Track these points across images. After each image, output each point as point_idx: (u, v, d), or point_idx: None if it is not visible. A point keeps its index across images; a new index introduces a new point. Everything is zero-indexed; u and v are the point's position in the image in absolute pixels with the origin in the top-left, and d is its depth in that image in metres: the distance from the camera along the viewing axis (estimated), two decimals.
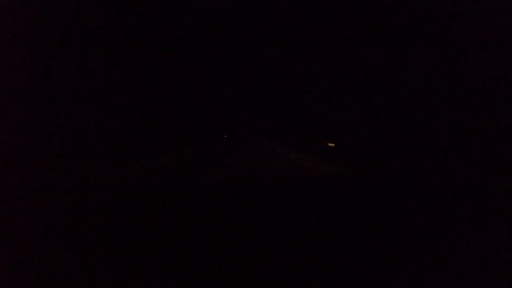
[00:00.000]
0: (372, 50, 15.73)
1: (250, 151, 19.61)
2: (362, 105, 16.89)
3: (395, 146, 14.02)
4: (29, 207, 5.06)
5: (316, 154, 15.82)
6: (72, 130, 11.77)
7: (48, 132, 10.78)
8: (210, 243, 3.43)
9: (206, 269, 2.82)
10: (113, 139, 14.37)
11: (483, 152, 10.61)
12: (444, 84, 12.50)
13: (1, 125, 9.28)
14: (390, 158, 12.76)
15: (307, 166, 10.73)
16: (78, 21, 12.16)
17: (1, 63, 9.48)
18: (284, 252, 3.18)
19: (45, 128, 10.68)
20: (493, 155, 10.10)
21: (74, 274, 2.75)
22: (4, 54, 9.42)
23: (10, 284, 2.61)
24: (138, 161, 12.29)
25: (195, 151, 18.89)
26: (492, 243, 3.46)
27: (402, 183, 7.28)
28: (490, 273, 2.77)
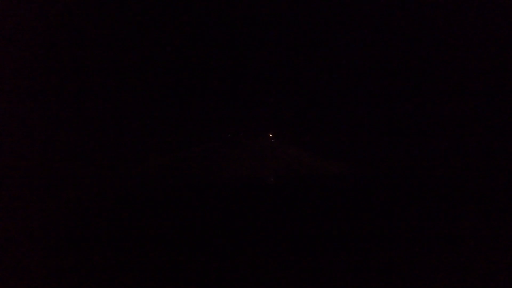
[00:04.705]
0: (374, 49, 15.74)
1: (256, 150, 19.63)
2: (366, 101, 16.89)
3: (399, 144, 14.06)
4: (29, 207, 5.05)
5: (322, 151, 15.86)
6: (72, 129, 11.77)
7: (47, 132, 10.77)
8: (212, 244, 3.43)
9: (208, 269, 2.82)
10: (112, 138, 14.36)
11: (484, 152, 10.63)
12: (446, 83, 12.51)
13: (1, 124, 9.27)
14: (394, 156, 12.78)
15: (312, 165, 10.73)
16: (78, 21, 12.14)
17: (1, 63, 9.48)
18: (287, 253, 3.18)
19: (44, 128, 10.67)
20: (493, 155, 10.12)
21: (74, 274, 2.75)
22: (4, 54, 9.42)
23: (10, 284, 2.61)
24: (138, 161, 12.29)
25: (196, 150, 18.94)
26: (493, 243, 3.46)
27: (406, 183, 7.28)
28: (490, 273, 2.77)
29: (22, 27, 9.81)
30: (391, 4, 14.52)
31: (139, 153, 14.67)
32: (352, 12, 16.82)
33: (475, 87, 11.54)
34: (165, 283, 2.60)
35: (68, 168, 9.78)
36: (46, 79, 10.79)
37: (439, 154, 11.55)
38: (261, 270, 2.81)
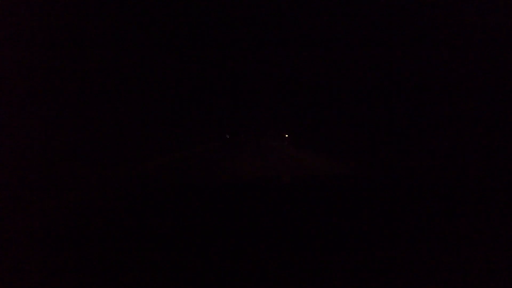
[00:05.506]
0: (374, 50, 15.72)
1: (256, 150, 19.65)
2: (367, 102, 16.87)
3: (401, 145, 14.03)
4: (29, 207, 5.05)
5: (324, 151, 15.88)
6: (72, 130, 11.78)
7: (48, 132, 10.78)
8: (212, 244, 3.43)
9: (209, 270, 2.82)
10: (112, 139, 14.35)
11: (484, 152, 10.62)
12: (446, 84, 12.51)
13: (1, 124, 9.28)
14: (396, 157, 12.77)
15: (313, 165, 10.73)
16: (78, 21, 12.14)
17: (1, 63, 9.48)
18: (288, 254, 3.18)
19: (44, 128, 10.68)
20: (493, 155, 10.11)
21: (74, 274, 2.75)
22: (4, 54, 9.43)
23: (10, 284, 2.61)
24: (139, 163, 12.29)
25: (196, 151, 18.96)
26: (493, 243, 3.46)
27: (408, 183, 7.27)
28: (490, 274, 2.76)
29: (22, 27, 9.81)
30: (391, 4, 14.52)
31: (139, 153, 14.67)
32: (354, 13, 16.81)
33: (476, 88, 11.53)
34: (165, 283, 2.59)
35: (68, 168, 9.77)
36: (46, 79, 10.80)
37: (440, 155, 11.55)
38: (261, 271, 2.81)
